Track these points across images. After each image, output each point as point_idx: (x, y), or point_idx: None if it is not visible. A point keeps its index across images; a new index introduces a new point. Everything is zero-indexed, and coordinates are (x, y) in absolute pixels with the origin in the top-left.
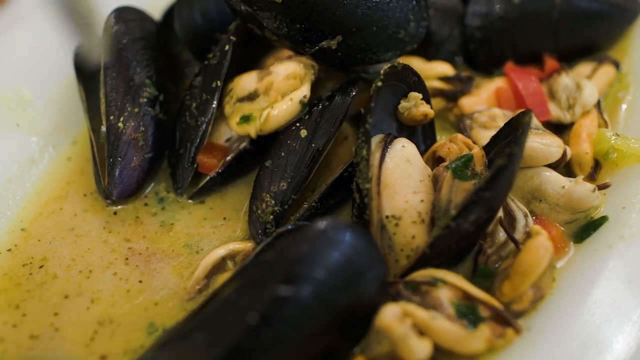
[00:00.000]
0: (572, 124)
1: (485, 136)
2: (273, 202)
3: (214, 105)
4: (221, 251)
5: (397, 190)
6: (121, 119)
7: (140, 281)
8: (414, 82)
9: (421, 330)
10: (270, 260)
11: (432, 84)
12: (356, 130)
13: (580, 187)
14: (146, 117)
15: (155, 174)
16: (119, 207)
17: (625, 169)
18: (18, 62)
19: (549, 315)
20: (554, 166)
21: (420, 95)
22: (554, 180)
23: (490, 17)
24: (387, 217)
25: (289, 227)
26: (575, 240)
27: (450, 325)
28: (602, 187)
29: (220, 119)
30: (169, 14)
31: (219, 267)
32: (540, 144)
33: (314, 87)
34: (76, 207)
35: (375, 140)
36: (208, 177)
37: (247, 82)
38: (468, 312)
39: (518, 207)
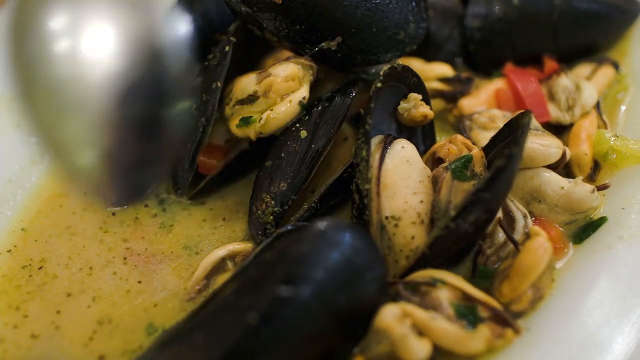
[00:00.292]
0: (571, 125)
1: (484, 137)
2: (273, 202)
3: (214, 106)
4: (221, 252)
5: (397, 191)
6: None
7: (140, 282)
8: (414, 83)
9: (420, 331)
10: (270, 261)
11: (432, 85)
12: (356, 131)
13: (579, 188)
14: None
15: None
16: (118, 208)
17: (624, 170)
18: None
19: (548, 316)
20: (553, 167)
21: (420, 96)
22: (554, 181)
23: (489, 18)
24: (386, 217)
25: (289, 227)
26: (574, 241)
27: (450, 326)
28: (601, 188)
29: (220, 119)
30: None
31: (218, 267)
32: (540, 144)
33: (314, 88)
34: (76, 205)
35: (375, 141)
36: (208, 178)
37: (246, 84)
38: (467, 312)
39: (517, 208)
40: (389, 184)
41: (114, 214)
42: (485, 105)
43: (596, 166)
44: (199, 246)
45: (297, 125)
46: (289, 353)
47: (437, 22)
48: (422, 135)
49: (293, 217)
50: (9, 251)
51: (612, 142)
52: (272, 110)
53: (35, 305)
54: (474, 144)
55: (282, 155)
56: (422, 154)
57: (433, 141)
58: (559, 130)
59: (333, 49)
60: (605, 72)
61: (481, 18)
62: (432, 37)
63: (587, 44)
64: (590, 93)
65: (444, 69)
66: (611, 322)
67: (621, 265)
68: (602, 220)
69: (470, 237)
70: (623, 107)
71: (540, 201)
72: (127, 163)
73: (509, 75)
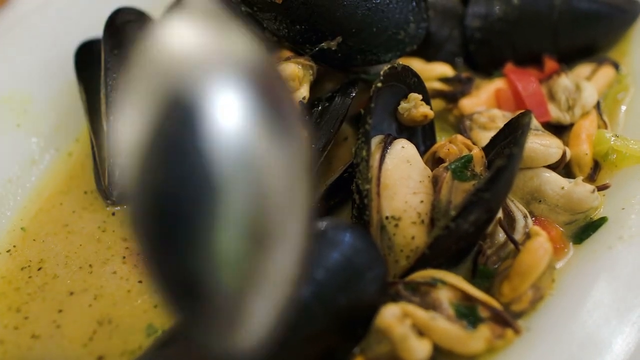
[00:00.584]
0: (571, 125)
1: (484, 137)
2: None
3: None
4: None
5: (397, 191)
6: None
7: (140, 281)
8: (414, 83)
9: (421, 331)
10: None
11: (432, 85)
12: (356, 131)
13: (579, 188)
14: None
15: None
16: (118, 207)
17: (624, 170)
18: (19, 63)
19: (548, 316)
20: (553, 167)
21: (420, 96)
22: (554, 181)
23: (490, 18)
24: (386, 217)
25: None
26: (574, 241)
27: (450, 326)
28: (602, 188)
29: None
30: None
31: None
32: (540, 144)
33: (313, 88)
34: (76, 204)
35: (375, 141)
36: None
37: None
38: (467, 312)
39: (517, 208)
40: (389, 184)
41: (114, 214)
42: (486, 105)
43: (596, 166)
44: None
45: None
46: (288, 353)
47: (437, 22)
48: (422, 135)
49: None
50: (8, 251)
51: (612, 142)
52: None
53: (37, 306)
54: (474, 143)
55: None
56: (422, 154)
57: (433, 141)
58: (559, 130)
59: (333, 48)
60: (606, 72)
61: (481, 18)
62: (432, 37)
63: (587, 44)
64: (590, 93)
65: (444, 69)
66: (611, 322)
67: (621, 265)
68: (602, 220)
69: (471, 237)
70: (623, 107)
71: (540, 201)
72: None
73: (509, 75)
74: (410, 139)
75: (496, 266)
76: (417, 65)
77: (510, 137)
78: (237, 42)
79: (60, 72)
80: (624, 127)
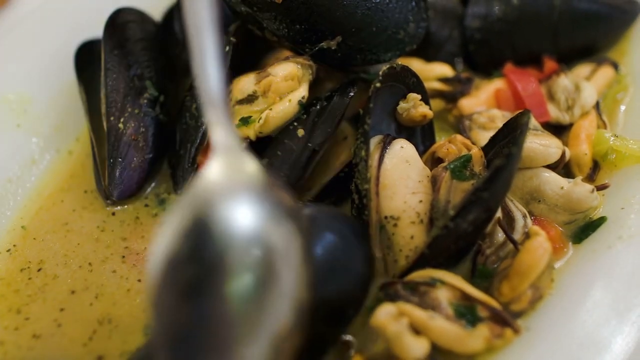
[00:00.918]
0: (571, 125)
1: (484, 137)
2: None
3: None
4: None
5: (396, 190)
6: (121, 120)
7: (139, 280)
8: (413, 83)
9: (419, 330)
10: None
11: (432, 85)
12: (355, 130)
13: (579, 188)
14: (146, 118)
15: (155, 175)
16: (118, 207)
17: (624, 169)
18: (19, 63)
19: (547, 316)
20: (552, 167)
21: (419, 96)
22: (553, 181)
23: (489, 19)
24: (385, 217)
25: None
26: (574, 240)
27: (449, 325)
28: (601, 187)
29: None
30: (169, 15)
31: None
32: (539, 144)
33: (313, 88)
34: (76, 203)
35: (374, 141)
36: None
37: (245, 84)
38: (466, 312)
39: (517, 208)
40: (388, 184)
41: (113, 213)
42: (485, 105)
43: (596, 166)
44: None
45: (295, 123)
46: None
47: (437, 22)
48: (421, 135)
49: None
50: (8, 251)
51: (611, 142)
52: (271, 109)
53: (37, 307)
54: (473, 143)
55: (279, 153)
56: (421, 154)
57: (432, 141)
58: (559, 130)
59: (333, 48)
60: (605, 72)
61: (481, 18)
62: (432, 37)
63: (586, 44)
64: (589, 93)
65: (443, 69)
66: (611, 321)
67: (621, 265)
68: (601, 220)
69: (470, 236)
70: (622, 107)
71: (539, 201)
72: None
73: (509, 76)
74: (409, 139)
75: (495, 266)
76: (416, 65)
77: (509, 136)
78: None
79: (60, 72)
80: (624, 127)
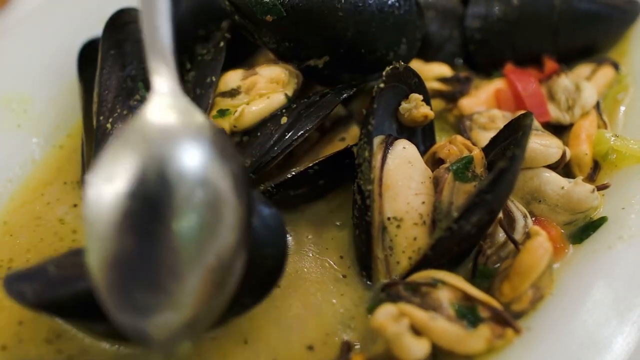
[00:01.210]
0: (571, 125)
1: (484, 137)
2: None
3: (209, 100)
4: None
5: (399, 192)
6: (110, 120)
7: None
8: (415, 83)
9: (420, 331)
10: None
11: (431, 84)
12: (346, 130)
13: (579, 188)
14: None
15: None
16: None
17: (624, 169)
18: (19, 63)
19: (548, 316)
20: (553, 167)
21: (421, 97)
22: (554, 181)
23: (489, 19)
24: (388, 218)
25: None
26: (574, 241)
27: (450, 326)
28: (601, 188)
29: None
30: None
31: None
32: (540, 145)
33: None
34: (52, 195)
35: (376, 141)
36: None
37: (231, 78)
38: (468, 312)
39: (517, 208)
40: (391, 185)
41: (75, 205)
42: (485, 105)
43: (596, 166)
44: None
45: (284, 111)
46: None
47: (437, 22)
48: (422, 135)
49: None
50: None
51: (612, 142)
52: (247, 104)
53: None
54: (474, 144)
55: (258, 134)
56: (422, 154)
57: (433, 142)
58: (559, 130)
59: (320, 66)
60: (605, 73)
61: (481, 18)
62: (432, 37)
63: (587, 44)
64: (590, 93)
65: (442, 69)
66: (611, 321)
67: (621, 265)
68: (602, 220)
69: (473, 238)
70: (623, 107)
71: (540, 201)
72: None
73: (509, 76)
74: (410, 139)
75: (496, 266)
76: (415, 65)
77: (511, 138)
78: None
79: (61, 72)
80: (624, 127)
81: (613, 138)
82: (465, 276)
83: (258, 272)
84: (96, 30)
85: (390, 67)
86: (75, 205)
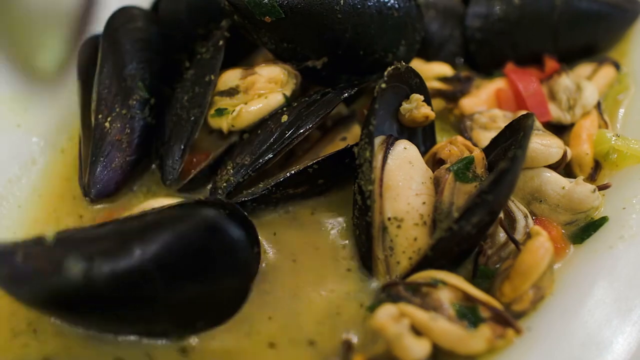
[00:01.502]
0: (572, 125)
1: (485, 137)
2: (232, 171)
3: (207, 99)
4: (154, 204)
5: (400, 192)
6: (108, 119)
7: None
8: (416, 83)
9: (420, 331)
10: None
11: (431, 84)
12: (346, 129)
13: (580, 188)
14: (133, 119)
15: (137, 176)
16: (101, 205)
17: (625, 169)
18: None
19: (549, 316)
20: (554, 167)
21: (422, 97)
22: (554, 181)
23: (490, 19)
24: (389, 219)
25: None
26: (575, 240)
27: (450, 326)
28: (602, 187)
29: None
30: (155, 6)
31: None
32: (541, 144)
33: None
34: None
35: (377, 141)
36: (199, 168)
37: (230, 77)
38: (468, 312)
39: (518, 208)
40: (392, 185)
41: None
42: (486, 105)
43: (597, 166)
44: None
45: (284, 109)
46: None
47: (438, 22)
48: (422, 136)
49: (246, 191)
50: None
51: (613, 142)
52: (246, 104)
53: None
54: (474, 144)
55: (259, 132)
56: (422, 154)
57: (433, 142)
58: (560, 130)
59: (318, 67)
60: (606, 72)
61: (482, 18)
62: (433, 37)
63: (587, 43)
64: (591, 93)
65: (443, 69)
66: (612, 321)
67: (622, 265)
68: (603, 220)
69: (473, 238)
70: (624, 107)
71: (541, 201)
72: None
73: (510, 75)
74: (410, 139)
75: (497, 266)
76: (416, 64)
77: (512, 138)
78: None
79: (62, 72)
80: (625, 127)
81: (614, 138)
82: (466, 276)
83: (217, 301)
84: (98, 27)
85: (392, 67)
86: (81, 217)
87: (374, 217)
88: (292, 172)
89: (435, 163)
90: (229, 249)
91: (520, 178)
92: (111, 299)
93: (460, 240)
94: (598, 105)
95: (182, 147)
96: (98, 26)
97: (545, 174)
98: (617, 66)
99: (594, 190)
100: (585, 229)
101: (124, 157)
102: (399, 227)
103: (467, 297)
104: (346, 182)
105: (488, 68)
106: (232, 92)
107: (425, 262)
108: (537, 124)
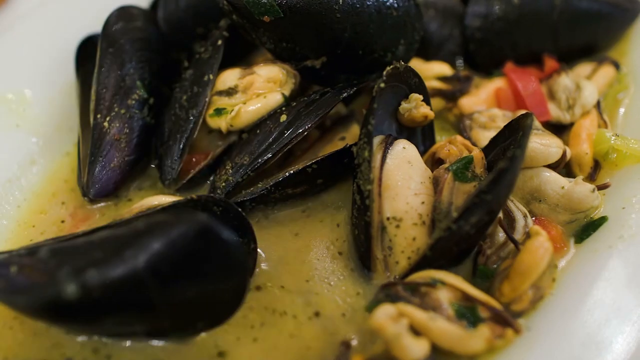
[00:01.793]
0: (571, 125)
1: (484, 136)
2: (231, 171)
3: (206, 99)
4: (154, 201)
5: (398, 191)
6: (107, 119)
7: None
8: (415, 83)
9: (419, 331)
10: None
11: (431, 83)
12: (345, 129)
13: (579, 188)
14: (132, 119)
15: (136, 176)
16: (101, 204)
17: (624, 169)
18: (18, 63)
19: (548, 316)
20: (553, 167)
21: (421, 97)
22: (554, 180)
23: (490, 18)
24: (387, 218)
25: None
26: (574, 240)
27: (449, 326)
28: (602, 187)
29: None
30: (154, 5)
31: None
32: (540, 144)
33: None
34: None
35: (376, 141)
36: (198, 168)
37: (228, 77)
38: (467, 312)
39: (517, 208)
40: (391, 185)
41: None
42: (485, 104)
43: (596, 165)
44: None
45: (283, 108)
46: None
47: (437, 21)
48: (421, 135)
49: (245, 190)
50: None
51: (612, 142)
52: (244, 104)
53: None
54: (474, 144)
55: (258, 131)
56: (421, 154)
57: (432, 142)
58: (559, 129)
59: (317, 67)
60: (606, 72)
61: (481, 17)
62: (432, 36)
63: (587, 43)
64: (590, 92)
65: (442, 68)
66: (612, 321)
67: (622, 264)
68: (602, 219)
69: (472, 238)
70: (623, 107)
71: (540, 201)
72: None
73: (509, 75)
74: (409, 139)
75: (496, 266)
76: (415, 64)
77: (511, 138)
78: None
79: (60, 72)
80: (624, 126)
81: (613, 137)
82: (465, 276)
83: (215, 301)
84: (97, 28)
85: (391, 66)
86: (79, 216)
87: (372, 216)
88: (291, 171)
89: (434, 163)
90: (223, 251)
91: (519, 178)
92: (108, 308)
93: (459, 240)
94: (597, 105)
95: (181, 146)
96: (98, 29)
97: (545, 173)
98: (616, 66)
99: (594, 190)
100: (584, 228)
101: (123, 157)
102: (397, 226)
103: (466, 297)
104: (345, 182)
105: (487, 67)
106: (230, 91)
107: (424, 261)
108: (537, 123)
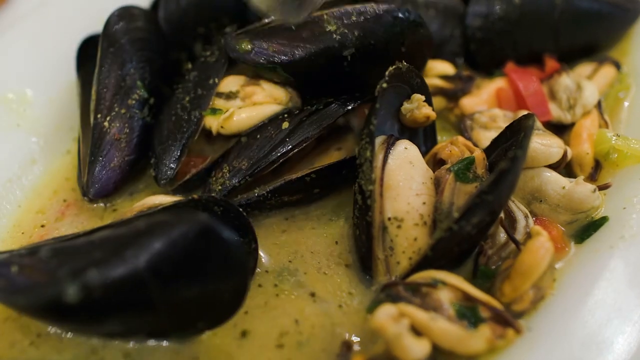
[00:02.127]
0: (572, 125)
1: (486, 137)
2: (228, 175)
3: (209, 101)
4: (155, 200)
5: (400, 192)
6: (107, 118)
7: None
8: (417, 84)
9: (420, 331)
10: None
11: (433, 82)
12: (342, 140)
13: (580, 188)
14: (132, 119)
15: (136, 176)
16: (97, 204)
17: (625, 169)
18: (19, 63)
19: (549, 316)
20: (554, 167)
21: (423, 97)
22: (555, 180)
23: (491, 18)
24: (389, 218)
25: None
26: (575, 240)
27: (450, 326)
28: (603, 187)
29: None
30: (155, 5)
31: None
32: (541, 144)
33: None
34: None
35: (378, 141)
36: (196, 170)
37: (232, 81)
38: (468, 312)
39: (518, 208)
40: (392, 185)
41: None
42: (487, 104)
43: (597, 166)
44: None
45: (285, 116)
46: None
47: (438, 21)
48: (423, 136)
49: (241, 195)
50: None
51: (613, 142)
52: (239, 108)
53: None
54: (475, 144)
55: (258, 136)
56: (423, 154)
57: (434, 142)
58: (560, 129)
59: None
60: (607, 72)
61: (482, 17)
62: (434, 36)
63: (588, 43)
64: (591, 92)
65: (444, 67)
66: (613, 321)
67: (623, 264)
68: (603, 219)
69: (473, 238)
70: (624, 107)
71: (541, 201)
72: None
73: (510, 75)
74: (411, 139)
75: (497, 266)
76: None
77: (513, 139)
78: None
79: (60, 72)
80: (625, 126)
81: (614, 137)
82: (466, 276)
83: (216, 302)
84: (97, 28)
85: (394, 67)
86: (80, 216)
87: (374, 216)
88: (290, 179)
89: (436, 163)
90: (224, 250)
91: (520, 178)
92: (108, 308)
93: (460, 240)
94: (598, 105)
95: (180, 148)
96: (98, 29)
97: (546, 173)
98: (617, 65)
99: (594, 190)
100: (585, 228)
101: (123, 157)
102: (399, 227)
103: (467, 297)
104: (343, 188)
105: (488, 67)
106: (230, 95)
107: (425, 262)
108: (538, 123)
